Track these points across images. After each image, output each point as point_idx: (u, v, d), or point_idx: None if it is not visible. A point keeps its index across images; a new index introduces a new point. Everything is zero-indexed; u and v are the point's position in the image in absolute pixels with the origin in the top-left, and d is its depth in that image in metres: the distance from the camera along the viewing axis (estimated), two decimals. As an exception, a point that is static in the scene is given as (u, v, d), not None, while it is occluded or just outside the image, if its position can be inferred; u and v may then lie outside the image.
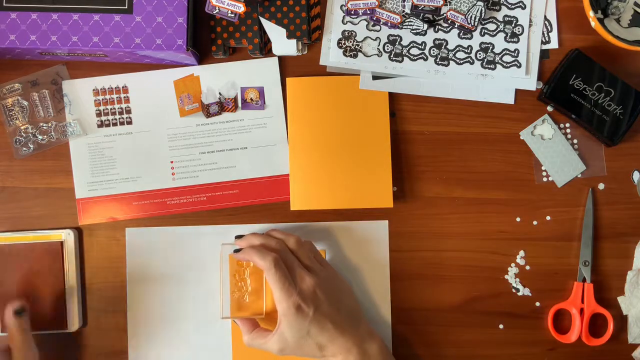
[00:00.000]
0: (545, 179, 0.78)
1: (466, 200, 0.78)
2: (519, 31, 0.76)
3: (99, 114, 0.76)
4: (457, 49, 0.76)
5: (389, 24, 0.75)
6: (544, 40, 0.77)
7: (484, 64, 0.76)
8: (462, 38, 0.76)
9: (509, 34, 0.76)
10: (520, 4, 0.76)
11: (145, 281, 0.76)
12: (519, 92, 0.77)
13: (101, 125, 0.76)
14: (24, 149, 0.76)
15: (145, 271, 0.76)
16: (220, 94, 0.76)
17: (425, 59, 0.76)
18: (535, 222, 0.78)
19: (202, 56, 0.77)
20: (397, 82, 0.76)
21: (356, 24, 0.76)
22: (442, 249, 0.77)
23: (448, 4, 0.75)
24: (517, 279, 0.77)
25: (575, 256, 0.77)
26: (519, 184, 0.78)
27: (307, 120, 0.76)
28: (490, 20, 0.76)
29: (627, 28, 0.76)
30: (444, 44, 0.76)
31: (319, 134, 0.76)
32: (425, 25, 0.76)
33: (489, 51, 0.76)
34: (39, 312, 0.74)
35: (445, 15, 0.75)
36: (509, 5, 0.76)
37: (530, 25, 0.77)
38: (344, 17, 0.76)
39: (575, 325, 0.76)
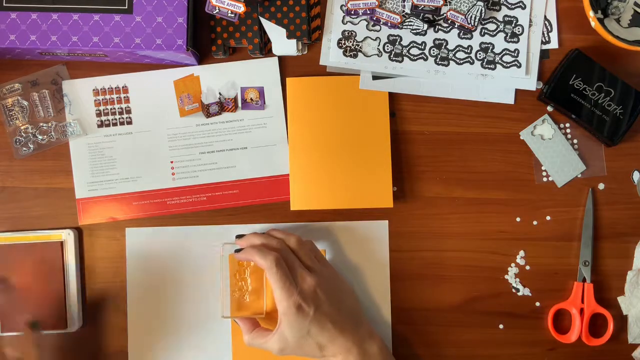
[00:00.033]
0: (545, 179, 0.78)
1: (466, 200, 0.78)
2: (519, 31, 0.76)
3: (99, 114, 0.76)
4: (457, 49, 0.76)
5: (389, 24, 0.75)
6: (544, 40, 0.77)
7: (484, 64, 0.76)
8: (462, 38, 0.76)
9: (509, 34, 0.76)
10: (520, 4, 0.76)
11: (145, 281, 0.76)
12: (519, 92, 0.77)
13: (101, 125, 0.76)
14: (24, 149, 0.76)
15: (145, 271, 0.76)
16: (220, 94, 0.76)
17: (425, 59, 0.76)
18: (535, 222, 0.78)
19: (202, 56, 0.77)
20: (397, 82, 0.76)
21: (356, 24, 0.76)
22: (442, 249, 0.77)
23: (448, 4, 0.75)
24: (517, 279, 0.77)
25: (575, 256, 0.77)
26: (519, 184, 0.78)
27: (307, 120, 0.76)
28: (490, 20, 0.76)
29: (627, 28, 0.76)
30: (444, 44, 0.76)
31: (319, 134, 0.76)
32: (425, 25, 0.76)
33: (489, 51, 0.76)
34: (39, 312, 0.74)
35: (445, 15, 0.75)
36: (509, 5, 0.76)
37: (530, 25, 0.77)
38: (344, 17, 0.76)
39: (575, 325, 0.76)
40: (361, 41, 0.76)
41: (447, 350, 0.77)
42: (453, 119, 0.77)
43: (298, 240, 0.70)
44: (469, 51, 0.76)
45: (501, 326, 0.77)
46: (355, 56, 0.76)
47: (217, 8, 0.71)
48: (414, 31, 0.76)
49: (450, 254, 0.77)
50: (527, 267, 0.77)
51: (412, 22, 0.76)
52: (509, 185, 0.78)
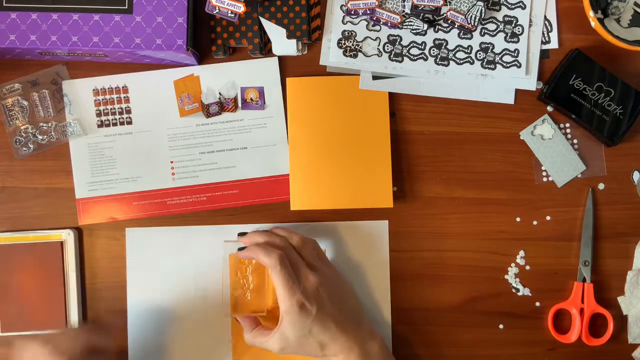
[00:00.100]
0: (545, 179, 0.78)
1: (466, 200, 0.78)
2: (519, 31, 0.76)
3: (99, 114, 0.76)
4: (457, 49, 0.76)
5: (389, 24, 0.75)
6: (544, 40, 0.77)
7: (484, 64, 0.76)
8: (462, 38, 0.76)
9: (509, 34, 0.76)
10: (520, 4, 0.76)
11: (145, 281, 0.76)
12: (519, 92, 0.77)
13: (101, 125, 0.76)
14: (24, 149, 0.76)
15: (145, 271, 0.76)
16: (220, 94, 0.76)
17: (425, 59, 0.76)
18: (535, 222, 0.78)
19: (202, 56, 0.77)
20: (397, 82, 0.76)
21: (356, 24, 0.76)
22: (442, 249, 0.77)
23: (448, 4, 0.75)
24: (517, 279, 0.77)
25: (575, 256, 0.77)
26: (519, 184, 0.78)
27: (307, 120, 0.76)
28: (490, 20, 0.76)
29: (627, 28, 0.76)
30: (444, 44, 0.76)
31: (319, 134, 0.76)
32: (425, 25, 0.76)
33: (489, 51, 0.76)
34: (39, 312, 0.74)
35: (445, 15, 0.75)
36: (509, 5, 0.76)
37: (530, 25, 0.77)
38: (344, 17, 0.76)
39: (575, 325, 0.76)
40: (361, 41, 0.76)
41: (447, 350, 0.77)
42: (453, 119, 0.77)
43: (301, 239, 0.70)
44: (469, 51, 0.76)
45: (501, 326, 0.77)
46: (355, 56, 0.76)
47: (217, 8, 0.71)
48: (414, 31, 0.76)
49: (450, 254, 0.77)
50: (527, 267, 0.77)
51: (412, 22, 0.76)
52: (509, 185, 0.78)
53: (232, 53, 0.77)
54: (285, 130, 0.77)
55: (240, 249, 0.70)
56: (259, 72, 0.77)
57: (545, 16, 0.77)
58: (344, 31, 0.76)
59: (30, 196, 0.76)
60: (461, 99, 0.77)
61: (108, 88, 0.76)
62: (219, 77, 0.76)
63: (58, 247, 0.75)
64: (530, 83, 0.77)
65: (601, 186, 0.78)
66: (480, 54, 0.76)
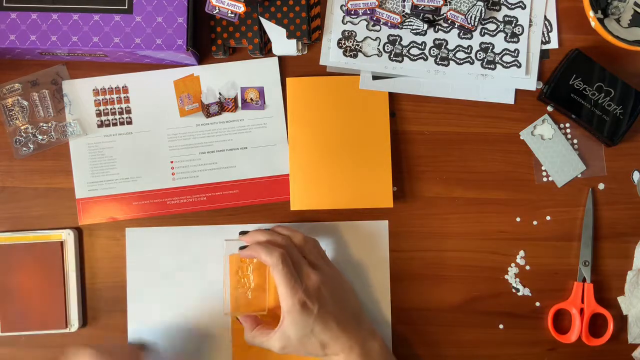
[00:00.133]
0: (545, 179, 0.78)
1: (466, 200, 0.78)
2: (519, 31, 0.76)
3: (99, 114, 0.76)
4: (457, 49, 0.76)
5: (389, 24, 0.75)
6: (544, 40, 0.77)
7: (484, 64, 0.76)
8: (462, 38, 0.76)
9: (509, 34, 0.76)
10: (520, 4, 0.76)
11: (145, 281, 0.76)
12: (519, 92, 0.77)
13: (101, 125, 0.76)
14: (24, 149, 0.76)
15: (145, 271, 0.76)
16: (220, 94, 0.76)
17: (425, 59, 0.76)
18: (535, 222, 0.78)
19: (202, 56, 0.77)
20: (397, 82, 0.76)
21: (356, 24, 0.76)
22: (442, 249, 0.77)
23: (448, 4, 0.75)
24: (517, 279, 0.77)
25: (575, 256, 0.77)
26: (519, 184, 0.78)
27: (307, 120, 0.76)
28: (490, 20, 0.76)
29: (627, 28, 0.76)
30: (444, 44, 0.76)
31: (319, 134, 0.76)
32: (425, 25, 0.76)
33: (489, 51, 0.76)
34: (39, 312, 0.74)
35: (445, 15, 0.75)
36: (509, 5, 0.76)
37: (530, 25, 0.77)
38: (344, 17, 0.76)
39: (575, 325, 0.76)
40: (361, 41, 0.76)
41: (447, 350, 0.77)
42: (453, 119, 0.77)
43: (303, 238, 0.70)
44: (469, 51, 0.76)
45: (501, 326, 0.77)
46: (355, 56, 0.76)
47: (217, 8, 0.71)
48: (414, 31, 0.76)
49: (450, 254, 0.77)
50: (527, 267, 0.77)
51: (412, 22, 0.76)
52: (509, 185, 0.78)
53: (232, 53, 0.77)
54: (285, 130, 0.77)
55: (242, 247, 0.70)
56: (259, 72, 0.77)
57: (545, 16, 0.77)
58: (344, 31, 0.76)
59: (30, 196, 0.76)
60: (461, 99, 0.77)
61: (108, 88, 0.76)
62: (219, 77, 0.76)
63: (58, 247, 0.75)
64: (530, 83, 0.77)
65: (601, 186, 0.78)
66: (480, 54, 0.76)
